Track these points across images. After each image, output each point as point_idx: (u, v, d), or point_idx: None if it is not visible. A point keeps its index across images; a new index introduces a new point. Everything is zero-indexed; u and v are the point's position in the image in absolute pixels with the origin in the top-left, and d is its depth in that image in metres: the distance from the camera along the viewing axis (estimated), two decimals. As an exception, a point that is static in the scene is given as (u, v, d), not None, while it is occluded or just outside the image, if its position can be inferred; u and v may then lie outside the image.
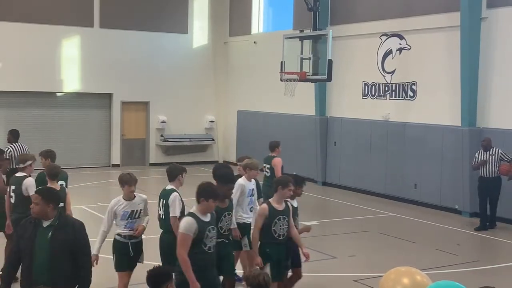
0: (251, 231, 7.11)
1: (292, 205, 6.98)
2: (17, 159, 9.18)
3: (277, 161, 11.45)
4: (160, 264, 5.88)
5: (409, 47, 15.52)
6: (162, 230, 7.32)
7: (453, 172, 14.28)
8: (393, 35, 15.93)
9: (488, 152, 12.43)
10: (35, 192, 5.55)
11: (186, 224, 5.77)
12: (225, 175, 6.84)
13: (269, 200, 6.88)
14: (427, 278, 4.56)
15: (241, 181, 8.09)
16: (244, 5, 21.53)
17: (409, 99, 15.58)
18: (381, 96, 16.34)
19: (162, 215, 7.25)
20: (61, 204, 7.78)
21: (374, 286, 6.64)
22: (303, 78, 15.30)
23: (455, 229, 12.73)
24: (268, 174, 11.47)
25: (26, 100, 19.68)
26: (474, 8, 13.59)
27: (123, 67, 20.58)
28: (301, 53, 15.58)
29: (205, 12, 22.12)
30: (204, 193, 5.85)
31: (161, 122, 21.29)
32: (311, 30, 15.89)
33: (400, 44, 15.75)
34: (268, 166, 11.56)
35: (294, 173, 8.39)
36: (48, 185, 8.01)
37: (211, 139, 22.28)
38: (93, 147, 20.94)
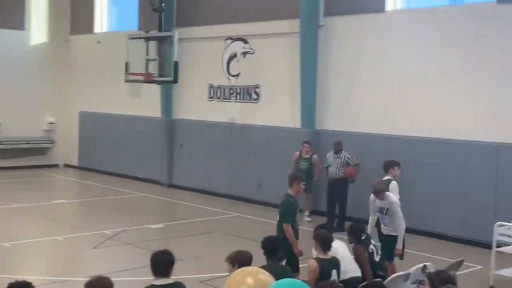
0: None
1: None
2: None
3: None
4: None
5: (253, 51, 15.93)
6: None
7: (295, 172, 14.80)
8: (238, 39, 16.25)
9: (337, 155, 12.99)
10: None
11: None
12: None
13: None
14: (270, 277, 4.69)
15: None
16: (86, 2, 20.79)
17: (253, 102, 15.98)
18: (227, 99, 16.59)
19: None
20: None
21: (219, 287, 6.69)
22: (148, 79, 15.12)
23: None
24: None
25: None
26: (312, 15, 14.27)
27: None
28: (147, 54, 15.40)
29: (44, 8, 21.03)
30: None
31: (-4, 123, 19.91)
32: (157, 31, 15.75)
33: (245, 48, 16.10)
34: None
35: None
36: None
37: (50, 142, 21.23)
38: None
